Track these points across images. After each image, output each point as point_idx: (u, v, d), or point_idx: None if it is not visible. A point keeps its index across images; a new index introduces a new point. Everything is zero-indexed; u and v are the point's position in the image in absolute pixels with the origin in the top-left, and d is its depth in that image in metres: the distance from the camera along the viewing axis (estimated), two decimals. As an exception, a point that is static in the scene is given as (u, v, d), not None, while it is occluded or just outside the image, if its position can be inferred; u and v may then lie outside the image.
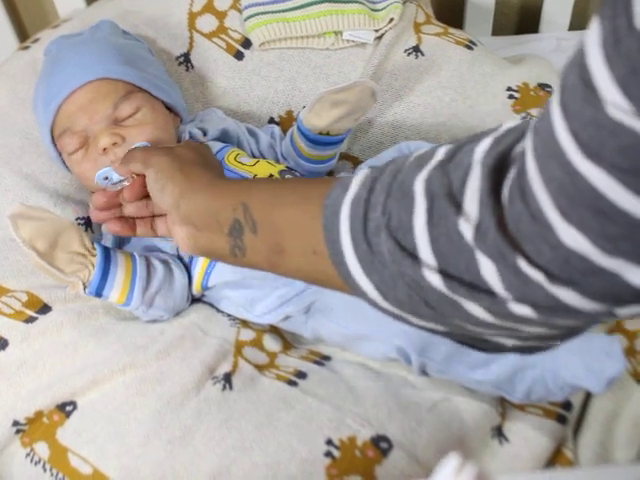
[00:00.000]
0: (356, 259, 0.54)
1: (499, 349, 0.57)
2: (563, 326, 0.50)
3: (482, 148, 0.50)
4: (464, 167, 0.49)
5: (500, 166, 0.48)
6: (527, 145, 0.45)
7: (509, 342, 0.55)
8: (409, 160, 0.54)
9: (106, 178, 0.87)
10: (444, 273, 0.49)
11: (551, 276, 0.44)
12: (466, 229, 0.47)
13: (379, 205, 0.52)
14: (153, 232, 0.78)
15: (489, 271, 0.47)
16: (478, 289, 0.48)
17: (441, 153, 0.52)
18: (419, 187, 0.51)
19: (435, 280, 0.49)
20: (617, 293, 0.44)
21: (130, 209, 0.77)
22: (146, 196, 0.75)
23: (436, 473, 0.42)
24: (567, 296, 0.45)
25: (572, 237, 0.42)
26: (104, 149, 0.90)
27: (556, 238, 0.43)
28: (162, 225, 0.77)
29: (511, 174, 0.47)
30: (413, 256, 0.50)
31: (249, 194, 0.62)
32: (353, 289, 0.56)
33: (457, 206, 0.48)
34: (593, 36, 0.39)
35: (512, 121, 0.54)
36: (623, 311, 0.45)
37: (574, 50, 0.41)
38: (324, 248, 0.56)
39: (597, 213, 0.41)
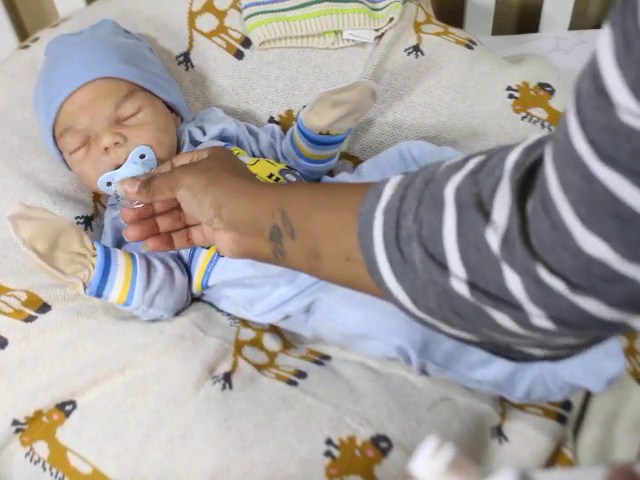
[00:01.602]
0: (389, 266, 0.55)
1: (529, 359, 0.58)
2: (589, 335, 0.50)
3: (512, 159, 0.50)
4: (495, 177, 0.50)
5: (528, 178, 0.48)
6: (547, 155, 0.46)
7: (538, 352, 0.55)
8: (441, 168, 0.55)
9: (109, 184, 0.87)
10: (472, 283, 0.49)
11: (572, 285, 0.45)
12: (493, 239, 0.48)
13: (410, 214, 0.53)
14: (190, 243, 0.78)
15: (514, 282, 0.47)
16: (504, 300, 0.48)
17: (472, 162, 0.53)
18: (449, 196, 0.51)
19: (463, 290, 0.50)
20: (638, 300, 0.44)
21: (165, 224, 0.77)
22: (176, 207, 0.75)
23: (415, 455, 0.42)
24: (588, 305, 0.45)
25: (592, 244, 0.42)
26: (106, 148, 0.90)
27: (576, 246, 0.43)
28: (198, 234, 0.77)
29: (535, 186, 0.47)
30: (442, 265, 0.51)
31: (287, 200, 0.64)
32: (386, 296, 0.58)
33: (486, 216, 0.49)
34: (604, 42, 0.39)
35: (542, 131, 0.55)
36: None
37: (588, 57, 0.41)
38: (357, 255, 0.57)
39: (616, 218, 0.41)
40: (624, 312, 0.45)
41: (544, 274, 0.45)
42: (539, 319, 0.48)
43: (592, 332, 0.49)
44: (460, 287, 0.50)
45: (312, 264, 0.63)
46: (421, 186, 0.54)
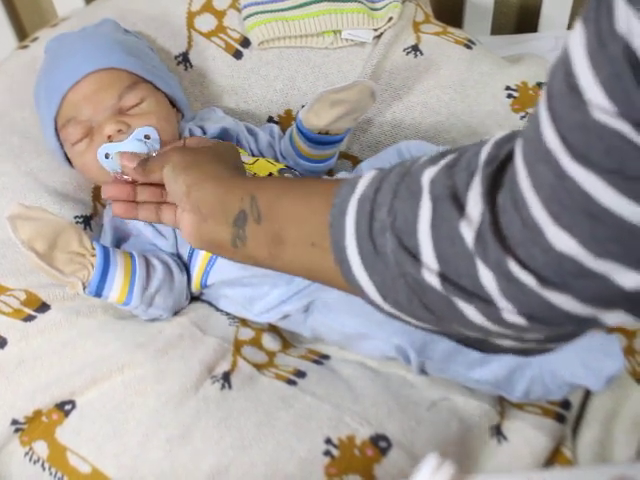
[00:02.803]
0: (359, 258, 0.54)
1: (496, 350, 0.58)
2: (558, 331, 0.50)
3: (484, 153, 0.50)
4: (469, 171, 0.50)
5: (498, 173, 0.48)
6: (517, 151, 0.46)
7: (506, 343, 0.55)
8: (417, 162, 0.55)
9: (107, 156, 0.88)
10: (444, 276, 0.49)
11: (543, 280, 0.45)
12: (468, 233, 0.48)
13: (385, 206, 0.53)
14: (157, 218, 0.78)
15: (487, 278, 0.47)
16: (476, 294, 0.48)
17: (448, 157, 0.53)
18: (425, 189, 0.51)
19: (434, 282, 0.50)
20: (607, 296, 0.44)
21: (143, 194, 0.78)
22: (161, 185, 0.75)
23: (416, 472, 0.43)
24: (559, 300, 0.45)
25: (562, 240, 0.42)
26: (109, 136, 0.90)
27: (547, 242, 0.43)
28: (169, 213, 0.76)
29: (505, 181, 0.47)
30: (415, 257, 0.50)
31: (258, 187, 0.64)
32: (353, 287, 0.57)
33: (460, 209, 0.49)
34: (577, 39, 0.39)
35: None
36: (611, 316, 0.45)
37: (559, 53, 0.41)
38: (324, 242, 0.57)
39: (587, 215, 0.41)
40: (595, 307, 0.45)
41: (515, 269, 0.45)
42: (510, 314, 0.48)
43: (563, 327, 0.49)
44: (432, 279, 0.50)
45: (273, 252, 0.62)
46: (397, 179, 0.54)
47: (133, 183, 0.78)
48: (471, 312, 0.50)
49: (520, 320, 0.48)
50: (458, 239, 0.48)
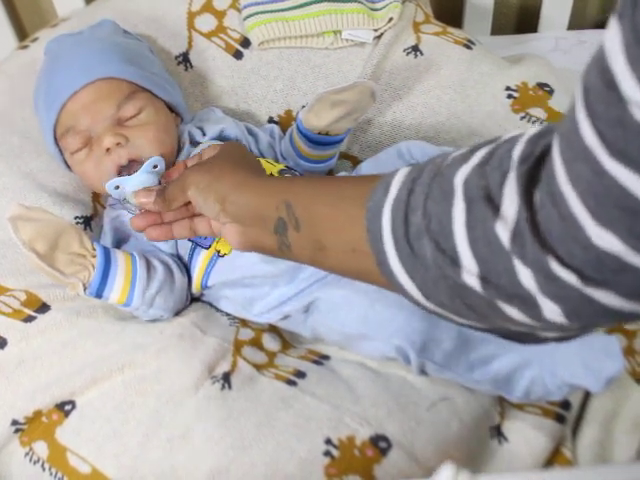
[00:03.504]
0: (399, 261, 0.55)
1: (539, 341, 0.58)
2: None
3: (518, 150, 0.50)
4: (502, 170, 0.50)
5: (534, 170, 0.48)
6: (554, 148, 0.46)
7: (551, 335, 0.55)
8: (447, 161, 0.55)
9: (117, 187, 0.87)
10: (483, 277, 0.50)
11: (584, 277, 0.45)
12: (503, 233, 0.48)
13: (419, 209, 0.53)
14: (192, 232, 0.80)
15: (526, 276, 0.47)
16: (516, 294, 0.48)
17: (479, 154, 0.53)
18: (458, 189, 0.51)
19: (475, 284, 0.50)
20: None
21: (169, 215, 0.79)
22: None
23: None
24: (601, 296, 0.45)
25: (602, 237, 0.42)
26: (107, 149, 0.90)
27: (587, 239, 0.43)
28: (203, 225, 0.78)
29: (542, 178, 0.47)
30: (454, 260, 0.51)
31: (291, 192, 0.65)
32: (396, 288, 0.58)
33: (495, 209, 0.49)
34: (613, 36, 0.39)
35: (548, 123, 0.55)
36: None
37: (595, 51, 0.41)
38: (364, 247, 0.57)
39: (626, 212, 0.41)
40: (636, 302, 0.45)
41: (555, 267, 0.46)
42: (551, 313, 0.48)
43: (603, 322, 0.49)
44: (472, 281, 0.50)
45: (317, 256, 0.63)
46: (428, 180, 0.54)
47: None
48: (513, 312, 0.50)
49: (561, 318, 0.48)
50: (494, 239, 0.48)
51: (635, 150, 0.39)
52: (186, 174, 0.74)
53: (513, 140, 0.52)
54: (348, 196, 0.60)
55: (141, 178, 0.87)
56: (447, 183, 0.52)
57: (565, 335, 0.56)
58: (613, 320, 0.48)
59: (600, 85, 0.40)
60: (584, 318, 0.48)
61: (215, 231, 0.76)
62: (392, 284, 0.57)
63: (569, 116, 0.44)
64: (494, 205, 0.49)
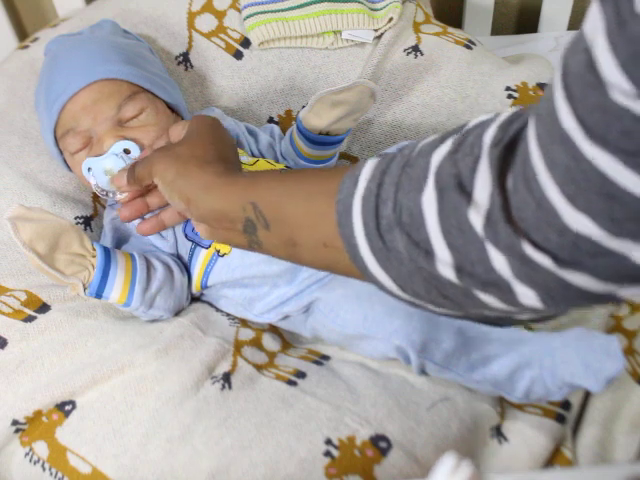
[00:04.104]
0: (372, 255, 0.54)
1: (514, 323, 0.58)
2: None
3: (489, 135, 0.50)
4: (473, 156, 0.49)
5: (506, 154, 0.48)
6: (529, 132, 0.45)
7: (524, 316, 0.55)
8: (415, 150, 0.54)
9: (89, 169, 0.89)
10: (458, 267, 0.49)
11: (559, 260, 0.45)
12: (476, 220, 0.48)
13: (390, 200, 0.52)
14: (182, 217, 0.82)
15: (499, 261, 0.47)
16: (491, 281, 0.48)
17: (449, 142, 0.52)
18: (429, 179, 0.51)
19: (450, 274, 0.50)
20: (625, 273, 0.44)
21: (154, 201, 0.80)
22: None
23: (433, 472, 0.42)
24: (576, 279, 0.45)
25: (579, 221, 0.42)
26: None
27: (562, 223, 0.43)
28: None
29: (516, 162, 0.47)
30: (427, 251, 0.50)
31: (256, 192, 0.63)
32: (371, 280, 0.57)
33: (467, 196, 0.48)
34: (595, 20, 0.39)
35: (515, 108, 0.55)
36: (627, 291, 0.46)
37: (573, 36, 0.41)
38: (336, 241, 0.57)
39: (604, 197, 0.41)
40: (612, 284, 0.45)
41: (529, 250, 0.45)
42: (526, 298, 0.48)
43: (579, 305, 0.49)
44: (447, 272, 0.50)
45: (290, 252, 0.62)
46: (398, 171, 0.53)
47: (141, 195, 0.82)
48: (489, 299, 0.50)
49: (537, 302, 0.48)
50: (467, 227, 0.48)
51: (615, 135, 0.39)
52: (153, 157, 0.74)
53: (483, 125, 0.51)
54: (316, 191, 0.59)
55: (109, 160, 0.88)
56: (417, 173, 0.52)
57: (540, 316, 0.56)
58: (589, 302, 0.48)
59: (580, 69, 0.40)
60: (559, 301, 0.48)
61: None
62: (367, 277, 0.57)
63: (547, 100, 0.43)
64: (466, 192, 0.48)
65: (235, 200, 0.64)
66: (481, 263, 0.48)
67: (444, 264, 0.50)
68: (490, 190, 0.47)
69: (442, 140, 0.53)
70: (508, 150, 0.48)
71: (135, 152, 0.89)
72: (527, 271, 0.46)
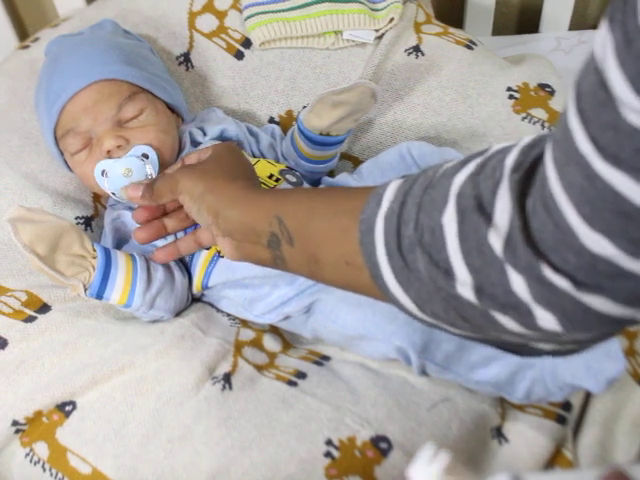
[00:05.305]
0: (392, 274, 0.55)
1: (536, 353, 0.58)
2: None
3: (511, 159, 0.50)
4: (494, 179, 0.50)
5: (527, 178, 0.48)
6: (547, 155, 0.46)
7: (546, 347, 0.55)
8: (439, 172, 0.55)
9: (103, 172, 0.88)
10: (477, 288, 0.49)
11: (578, 283, 0.45)
12: (496, 242, 0.48)
13: (412, 221, 0.53)
14: (198, 245, 0.83)
15: (518, 284, 0.47)
16: (510, 303, 0.48)
17: (471, 165, 0.53)
18: (450, 201, 0.51)
19: (469, 295, 0.50)
20: None
21: (172, 224, 0.80)
22: (182, 207, 0.77)
23: (413, 461, 0.43)
24: (595, 302, 0.45)
25: (596, 242, 0.42)
26: (108, 151, 0.90)
27: (580, 244, 0.43)
28: (206, 235, 0.80)
29: (535, 185, 0.47)
30: (447, 271, 0.51)
31: (283, 207, 0.65)
32: (390, 300, 0.58)
33: (487, 218, 0.49)
34: (604, 40, 0.39)
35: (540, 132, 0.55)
36: None
37: (586, 56, 0.41)
38: (358, 259, 0.58)
39: (620, 216, 0.41)
40: (631, 307, 0.45)
41: (548, 273, 0.45)
42: (545, 321, 0.47)
43: (598, 329, 0.49)
44: (466, 293, 0.50)
45: (312, 269, 0.63)
46: (420, 192, 0.54)
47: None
48: (508, 322, 0.50)
49: (555, 326, 0.48)
50: (487, 249, 0.48)
51: (628, 153, 0.39)
52: (178, 175, 0.74)
53: (505, 150, 0.52)
54: (342, 209, 0.60)
55: (126, 162, 0.87)
56: (439, 195, 0.52)
57: (561, 349, 0.56)
58: (608, 327, 0.48)
59: (592, 89, 0.40)
60: (578, 326, 0.47)
61: (212, 241, 0.78)
62: (387, 297, 0.58)
63: (562, 122, 0.44)
64: (486, 214, 0.49)
65: (262, 214, 0.65)
66: (500, 285, 0.48)
67: (463, 285, 0.50)
68: (510, 212, 0.47)
69: (465, 163, 0.54)
70: (528, 174, 0.48)
71: (153, 156, 0.90)
72: (546, 294, 0.46)
